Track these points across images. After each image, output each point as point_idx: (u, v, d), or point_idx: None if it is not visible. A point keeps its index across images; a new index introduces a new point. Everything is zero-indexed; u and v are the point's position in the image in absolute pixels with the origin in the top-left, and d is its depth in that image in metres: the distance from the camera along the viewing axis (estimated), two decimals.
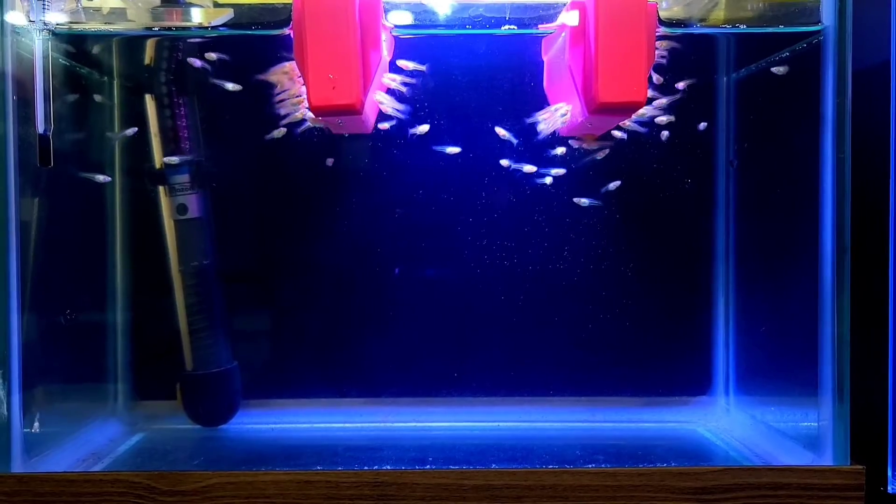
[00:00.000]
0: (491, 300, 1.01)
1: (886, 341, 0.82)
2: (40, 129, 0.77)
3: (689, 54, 0.90)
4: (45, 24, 0.76)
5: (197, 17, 0.84)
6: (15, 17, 0.76)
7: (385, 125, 0.91)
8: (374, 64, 0.77)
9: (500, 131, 0.94)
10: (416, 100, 0.92)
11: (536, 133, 0.90)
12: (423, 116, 0.96)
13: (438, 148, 0.95)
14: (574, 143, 0.95)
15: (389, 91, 0.88)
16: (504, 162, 0.96)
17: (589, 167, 0.98)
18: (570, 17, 0.78)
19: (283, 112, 0.88)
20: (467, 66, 0.97)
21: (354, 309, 1.02)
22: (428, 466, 0.80)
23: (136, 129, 0.96)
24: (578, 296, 1.01)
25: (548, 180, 0.96)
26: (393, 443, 0.92)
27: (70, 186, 0.91)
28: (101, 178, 0.95)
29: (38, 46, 0.76)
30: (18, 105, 0.76)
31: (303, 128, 0.89)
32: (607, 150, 0.94)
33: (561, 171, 0.96)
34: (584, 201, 0.97)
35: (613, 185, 0.97)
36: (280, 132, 0.90)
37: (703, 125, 0.94)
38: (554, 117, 0.87)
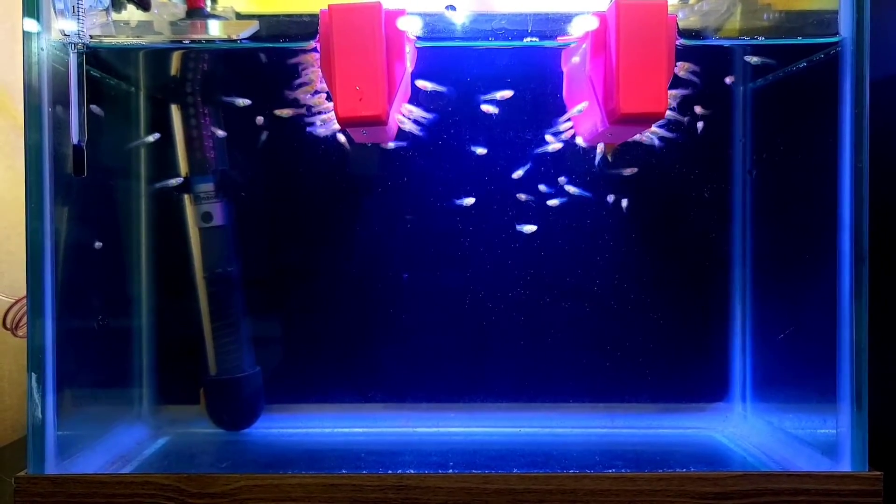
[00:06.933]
0: (511, 307, 1.02)
1: None
2: (75, 140, 0.78)
3: (707, 64, 0.91)
4: (79, 37, 0.77)
5: (222, 29, 0.86)
6: (33, 27, 0.77)
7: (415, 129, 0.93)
8: (399, 76, 0.78)
9: (521, 196, 0.98)
10: (440, 109, 0.94)
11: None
12: (447, 126, 0.97)
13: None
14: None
15: (412, 100, 0.90)
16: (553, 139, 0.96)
17: (609, 175, 0.99)
18: (588, 22, 0.79)
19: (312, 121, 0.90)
20: (490, 77, 0.98)
21: (377, 315, 1.03)
22: (450, 471, 0.81)
23: (158, 134, 0.97)
24: (597, 303, 1.02)
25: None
26: (415, 447, 0.93)
27: (98, 195, 0.93)
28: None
29: (72, 60, 0.78)
30: (52, 117, 0.78)
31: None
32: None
33: (605, 148, 0.97)
34: (467, 201, 0.99)
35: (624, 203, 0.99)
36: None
37: (729, 79, 0.94)
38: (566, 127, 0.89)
